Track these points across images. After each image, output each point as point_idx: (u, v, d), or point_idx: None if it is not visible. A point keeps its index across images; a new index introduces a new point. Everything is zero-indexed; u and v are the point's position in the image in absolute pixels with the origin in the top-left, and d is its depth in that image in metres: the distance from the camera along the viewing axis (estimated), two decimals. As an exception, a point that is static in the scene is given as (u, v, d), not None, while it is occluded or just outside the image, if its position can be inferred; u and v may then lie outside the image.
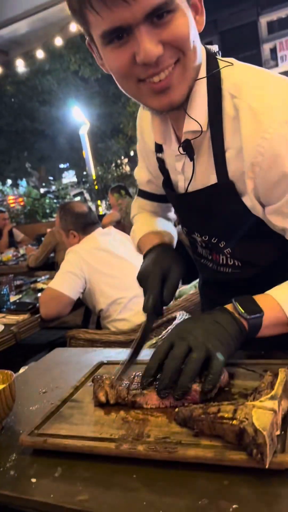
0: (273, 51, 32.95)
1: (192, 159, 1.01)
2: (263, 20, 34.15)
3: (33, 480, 0.76)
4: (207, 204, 1.05)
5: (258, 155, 0.89)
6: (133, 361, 1.01)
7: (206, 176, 1.02)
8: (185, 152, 1.02)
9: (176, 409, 0.83)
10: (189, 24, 0.85)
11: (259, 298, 0.95)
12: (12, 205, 13.31)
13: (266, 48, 33.86)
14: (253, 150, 0.89)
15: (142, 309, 1.03)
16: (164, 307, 1.07)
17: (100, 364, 1.15)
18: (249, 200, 0.97)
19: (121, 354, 1.24)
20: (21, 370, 1.53)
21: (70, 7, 0.87)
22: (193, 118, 0.96)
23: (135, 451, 0.76)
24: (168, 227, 1.34)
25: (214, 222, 1.07)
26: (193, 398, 0.86)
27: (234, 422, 0.72)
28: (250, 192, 0.95)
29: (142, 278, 1.08)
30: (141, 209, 1.43)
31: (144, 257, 1.17)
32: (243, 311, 0.91)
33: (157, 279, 1.04)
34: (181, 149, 1.01)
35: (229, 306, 0.94)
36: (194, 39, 0.87)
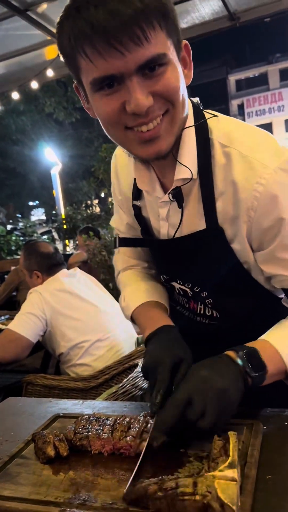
0: (241, 107, 34.92)
1: (181, 206, 1.02)
2: (232, 78, 36.34)
3: None
4: (193, 250, 1.04)
5: (253, 200, 0.91)
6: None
7: (194, 223, 1.02)
8: (174, 199, 1.01)
9: (127, 487, 0.75)
10: (179, 77, 0.88)
11: (261, 350, 0.92)
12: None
13: (234, 104, 35.85)
14: (249, 195, 0.91)
15: (149, 408, 0.92)
16: None
17: (56, 417, 1.09)
18: (238, 244, 0.98)
19: (78, 405, 1.19)
20: None
21: (61, 50, 0.87)
22: (185, 166, 0.97)
23: (81, 518, 0.71)
24: (159, 288, 1.24)
25: (199, 269, 1.06)
26: (129, 451, 0.87)
27: (197, 497, 0.67)
28: (243, 236, 0.96)
29: (149, 368, 0.96)
30: (126, 263, 1.34)
31: (147, 340, 1.06)
32: (250, 368, 0.89)
33: (167, 372, 0.92)
34: (170, 196, 1.01)
35: (234, 356, 0.90)
36: (183, 92, 0.90)
